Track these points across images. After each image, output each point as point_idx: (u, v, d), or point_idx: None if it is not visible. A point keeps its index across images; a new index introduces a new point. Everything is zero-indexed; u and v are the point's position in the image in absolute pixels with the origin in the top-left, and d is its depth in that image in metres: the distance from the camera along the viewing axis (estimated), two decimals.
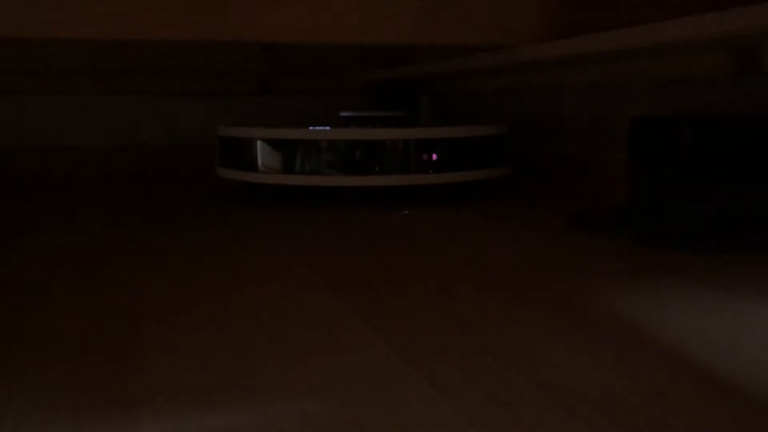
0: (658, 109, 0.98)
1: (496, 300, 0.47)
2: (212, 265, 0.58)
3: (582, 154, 1.12)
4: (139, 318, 0.43)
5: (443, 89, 1.50)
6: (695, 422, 0.29)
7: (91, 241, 0.69)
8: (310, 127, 0.92)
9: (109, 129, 1.40)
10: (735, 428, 0.28)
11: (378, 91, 1.52)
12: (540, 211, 0.88)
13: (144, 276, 0.54)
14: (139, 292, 0.49)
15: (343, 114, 1.04)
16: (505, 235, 0.72)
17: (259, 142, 0.91)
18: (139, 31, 0.73)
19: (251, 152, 0.92)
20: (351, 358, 0.36)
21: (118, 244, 0.67)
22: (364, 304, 0.46)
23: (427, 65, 1.18)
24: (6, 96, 1.35)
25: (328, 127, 0.92)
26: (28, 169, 1.35)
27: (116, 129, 1.40)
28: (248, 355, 0.37)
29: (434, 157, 0.89)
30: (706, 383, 0.33)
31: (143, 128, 1.41)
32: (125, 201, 0.98)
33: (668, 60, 0.88)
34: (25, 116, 1.36)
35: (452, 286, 0.51)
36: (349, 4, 0.81)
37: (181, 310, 0.44)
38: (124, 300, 0.47)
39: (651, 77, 0.92)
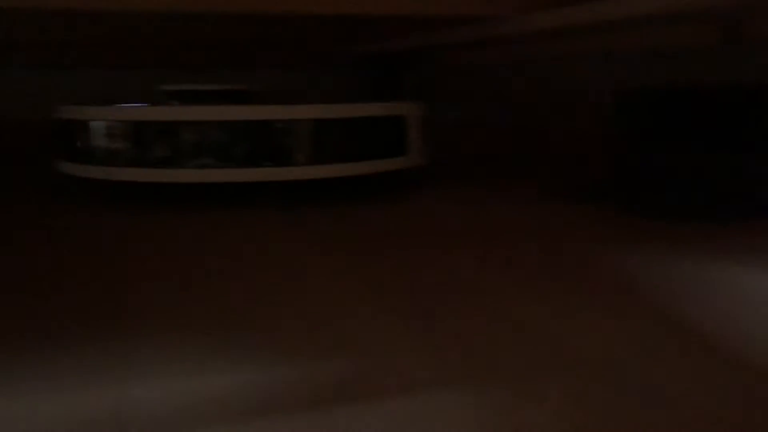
0: (637, 81, 0.99)
1: (484, 267, 0.47)
2: None
3: (561, 126, 1.11)
4: None
5: (426, 65, 1.47)
6: (688, 385, 0.29)
7: None
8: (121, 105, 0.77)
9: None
10: (728, 391, 0.28)
11: (359, 66, 1.47)
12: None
13: None
14: None
15: (165, 88, 0.87)
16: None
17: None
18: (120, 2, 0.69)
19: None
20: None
21: None
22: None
23: (404, 40, 1.15)
24: None
25: (146, 105, 0.76)
26: None
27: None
28: (244, 311, 0.38)
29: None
30: (701, 349, 0.32)
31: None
32: None
33: (653, 31, 0.88)
34: None
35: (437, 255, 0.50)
36: None
37: None
38: None
39: (635, 49, 0.93)
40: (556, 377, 0.29)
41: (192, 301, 0.41)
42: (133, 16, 1.18)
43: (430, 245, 0.56)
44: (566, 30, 0.87)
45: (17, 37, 1.25)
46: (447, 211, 0.73)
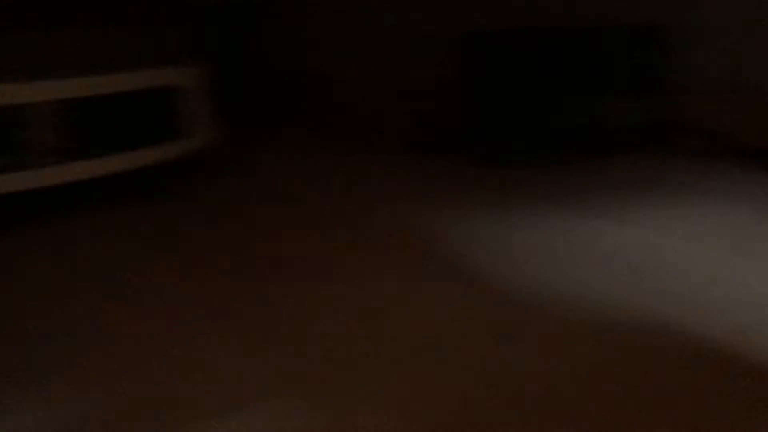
0: (485, 24, 0.92)
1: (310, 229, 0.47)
2: None
3: (413, 75, 1.06)
4: None
5: (285, 13, 1.33)
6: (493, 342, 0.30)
7: None
8: None
9: None
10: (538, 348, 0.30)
11: (212, 19, 1.28)
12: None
13: None
14: None
15: None
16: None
17: None
18: None
19: None
20: None
21: None
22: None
23: None
24: None
25: None
26: None
27: None
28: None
29: None
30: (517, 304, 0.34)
31: None
32: None
33: None
34: None
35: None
36: None
37: None
38: None
39: None
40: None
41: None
42: None
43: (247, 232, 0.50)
44: None
45: None
46: (277, 184, 0.64)
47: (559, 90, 0.70)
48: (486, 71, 0.76)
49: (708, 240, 0.45)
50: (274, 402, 0.27)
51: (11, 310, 0.40)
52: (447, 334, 0.33)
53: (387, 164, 0.67)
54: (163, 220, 0.55)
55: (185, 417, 0.27)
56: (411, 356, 0.30)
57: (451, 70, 0.95)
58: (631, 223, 0.48)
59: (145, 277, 0.44)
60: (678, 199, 0.55)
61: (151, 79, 0.55)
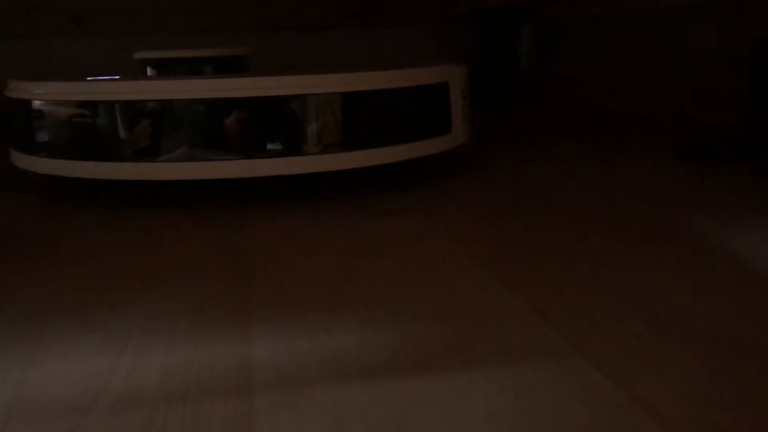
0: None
1: (605, 235, 0.47)
2: None
3: (685, 81, 1.04)
4: None
5: (549, 15, 1.37)
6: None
7: None
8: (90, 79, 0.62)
9: None
10: None
11: (477, 21, 1.36)
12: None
13: None
14: None
15: (140, 55, 0.70)
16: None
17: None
18: None
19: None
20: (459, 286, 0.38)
21: None
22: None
23: None
24: None
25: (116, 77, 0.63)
26: None
27: None
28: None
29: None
30: None
31: None
32: None
33: None
34: None
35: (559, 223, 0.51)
36: None
37: None
38: None
39: None
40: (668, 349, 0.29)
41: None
42: None
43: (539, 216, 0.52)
44: None
45: None
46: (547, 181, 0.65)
47: None
48: None
49: None
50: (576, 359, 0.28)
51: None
52: (725, 320, 0.32)
53: (661, 169, 0.67)
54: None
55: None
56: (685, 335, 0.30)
57: (735, 76, 0.92)
58: None
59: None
60: None
61: (427, 76, 0.59)
